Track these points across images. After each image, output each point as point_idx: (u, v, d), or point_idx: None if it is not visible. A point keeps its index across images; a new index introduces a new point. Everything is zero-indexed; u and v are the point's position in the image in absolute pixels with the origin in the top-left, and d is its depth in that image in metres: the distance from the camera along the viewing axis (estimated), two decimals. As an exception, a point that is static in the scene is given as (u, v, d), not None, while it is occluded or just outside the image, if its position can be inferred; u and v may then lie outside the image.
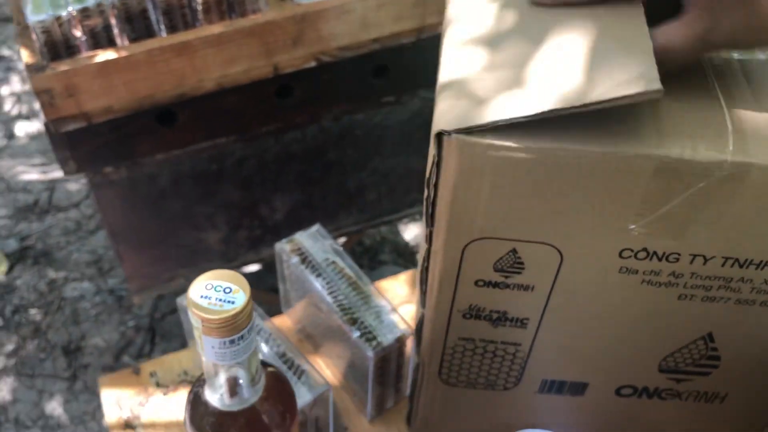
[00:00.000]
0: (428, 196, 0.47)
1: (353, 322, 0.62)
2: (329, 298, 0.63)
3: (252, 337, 0.38)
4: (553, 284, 0.50)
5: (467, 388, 0.60)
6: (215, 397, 0.42)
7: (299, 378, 0.59)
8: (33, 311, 1.59)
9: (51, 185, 1.86)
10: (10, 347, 1.52)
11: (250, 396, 0.42)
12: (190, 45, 0.89)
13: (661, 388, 0.58)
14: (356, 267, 0.66)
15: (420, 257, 0.52)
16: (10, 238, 1.73)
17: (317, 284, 0.64)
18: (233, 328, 0.36)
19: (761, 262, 0.47)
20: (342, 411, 0.68)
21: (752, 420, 0.60)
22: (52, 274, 1.66)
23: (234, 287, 0.36)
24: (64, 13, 0.84)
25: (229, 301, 0.36)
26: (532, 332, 0.54)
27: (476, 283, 0.50)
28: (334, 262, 0.66)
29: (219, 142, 1.04)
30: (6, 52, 2.26)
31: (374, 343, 0.61)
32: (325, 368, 0.72)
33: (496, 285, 0.50)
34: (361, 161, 1.20)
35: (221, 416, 0.41)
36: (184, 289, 0.72)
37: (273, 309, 0.75)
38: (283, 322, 0.76)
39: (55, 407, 1.44)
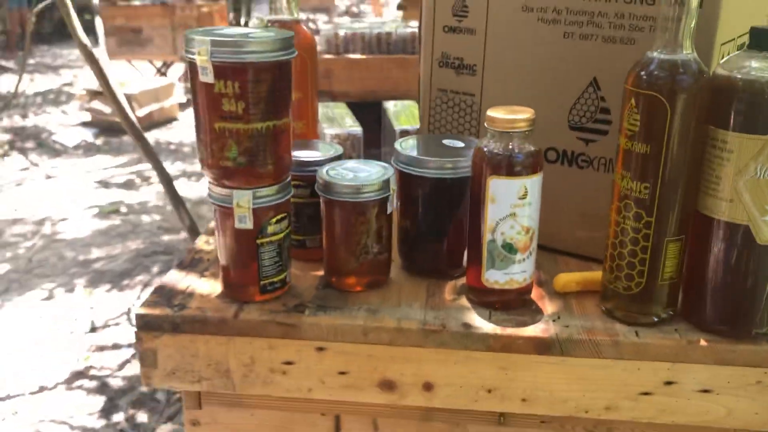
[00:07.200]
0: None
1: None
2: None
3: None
4: (486, 27, 0.76)
5: (447, 144, 0.83)
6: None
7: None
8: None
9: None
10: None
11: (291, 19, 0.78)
12: (407, 61, 1.34)
13: (577, 152, 0.74)
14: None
15: (418, 23, 0.83)
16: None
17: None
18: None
19: (608, -6, 0.68)
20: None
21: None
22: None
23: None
24: (342, 33, 1.38)
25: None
26: (479, 80, 0.78)
27: (443, 29, 0.79)
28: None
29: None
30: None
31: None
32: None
33: (453, 30, 0.78)
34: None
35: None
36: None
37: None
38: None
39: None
